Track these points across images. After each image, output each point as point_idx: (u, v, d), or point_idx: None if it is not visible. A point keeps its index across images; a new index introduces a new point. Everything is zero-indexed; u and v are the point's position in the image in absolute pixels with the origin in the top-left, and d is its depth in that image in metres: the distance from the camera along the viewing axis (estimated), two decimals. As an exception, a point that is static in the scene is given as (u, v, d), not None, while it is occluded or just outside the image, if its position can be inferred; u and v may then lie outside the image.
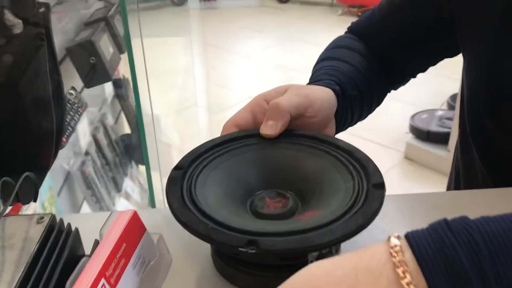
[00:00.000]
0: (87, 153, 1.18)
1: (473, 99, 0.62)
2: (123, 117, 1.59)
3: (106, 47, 1.13)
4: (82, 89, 1.17)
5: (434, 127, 2.67)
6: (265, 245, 0.38)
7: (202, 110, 3.17)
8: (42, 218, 0.46)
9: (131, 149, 1.45)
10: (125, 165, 1.39)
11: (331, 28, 4.88)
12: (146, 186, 1.51)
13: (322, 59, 0.68)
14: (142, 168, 1.54)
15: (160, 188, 1.40)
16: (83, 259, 0.42)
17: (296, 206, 0.48)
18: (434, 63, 0.69)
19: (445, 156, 2.56)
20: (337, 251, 0.46)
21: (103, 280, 0.40)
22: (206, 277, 0.49)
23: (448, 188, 0.82)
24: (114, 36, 1.21)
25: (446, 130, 2.61)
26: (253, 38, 4.69)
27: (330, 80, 0.59)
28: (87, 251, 0.50)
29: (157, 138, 1.43)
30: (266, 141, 0.53)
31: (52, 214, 0.47)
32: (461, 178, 0.74)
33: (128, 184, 1.36)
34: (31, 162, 0.60)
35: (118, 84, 1.41)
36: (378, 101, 0.69)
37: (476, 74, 0.60)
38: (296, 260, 0.42)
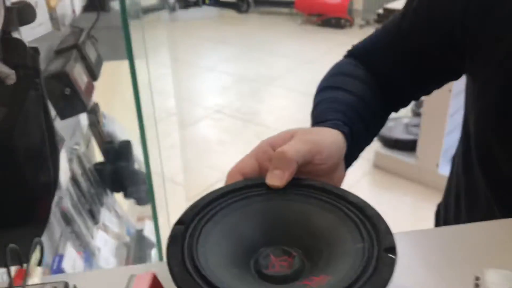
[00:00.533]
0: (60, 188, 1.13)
1: (482, 124, 0.61)
2: (92, 143, 1.53)
3: (80, 76, 1.08)
4: (54, 118, 1.11)
5: (401, 135, 2.72)
6: None
7: (174, 126, 3.13)
8: (55, 287, 0.43)
9: (106, 177, 1.40)
10: (100, 195, 1.34)
11: (293, 37, 4.92)
12: (122, 214, 1.46)
13: (322, 88, 0.67)
14: (117, 196, 1.49)
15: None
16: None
17: (303, 266, 0.46)
18: (439, 87, 0.69)
19: (414, 163, 2.61)
20: None
21: None
22: None
23: (446, 204, 0.82)
24: (87, 64, 1.16)
25: (413, 137, 2.67)
26: (215, 50, 4.67)
27: (336, 120, 0.57)
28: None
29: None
30: (272, 192, 0.50)
31: (64, 282, 0.44)
32: (463, 196, 0.74)
33: (105, 215, 1.31)
34: (29, 216, 0.56)
35: (89, 110, 1.36)
36: (381, 126, 0.68)
37: (488, 100, 0.59)
38: None
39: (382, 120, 0.68)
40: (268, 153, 0.52)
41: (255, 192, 0.50)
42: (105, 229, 1.28)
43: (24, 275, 0.47)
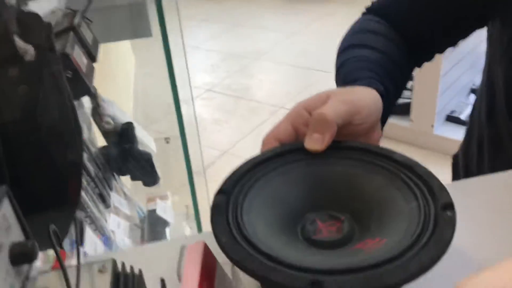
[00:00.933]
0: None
1: None
2: (94, 128, 1.51)
3: (80, 58, 1.06)
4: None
5: (395, 99, 2.72)
6: (330, 285, 0.35)
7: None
8: (103, 265, 0.42)
9: (111, 161, 1.38)
10: (108, 179, 1.33)
11: (277, 10, 4.86)
12: (131, 196, 1.45)
13: (346, 47, 0.65)
14: (124, 179, 1.48)
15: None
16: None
17: (353, 231, 0.44)
18: (465, 36, 0.68)
19: (408, 126, 2.62)
20: None
21: (200, 326, 0.36)
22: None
23: (465, 154, 0.82)
24: (84, 46, 1.13)
25: (406, 101, 2.67)
26: (199, 28, 4.60)
27: (370, 78, 0.56)
28: (150, 291, 0.46)
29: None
30: (312, 157, 0.49)
31: (112, 259, 0.43)
32: (486, 144, 0.74)
33: (115, 198, 1.29)
34: (59, 197, 0.55)
35: (92, 95, 1.33)
36: (407, 82, 0.67)
37: None
38: None
39: (408, 76, 0.67)
40: (304, 116, 0.51)
41: (294, 158, 0.49)
42: (117, 212, 1.27)
43: (64, 256, 0.46)
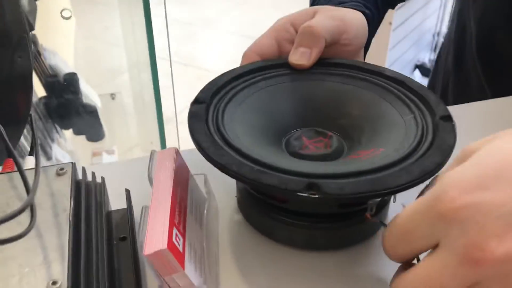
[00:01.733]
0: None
1: (488, 12, 0.60)
2: (35, 77, 1.40)
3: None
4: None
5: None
6: (329, 188, 0.31)
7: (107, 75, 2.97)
8: (62, 169, 0.37)
9: (52, 113, 1.29)
10: (50, 131, 1.24)
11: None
12: (74, 150, 1.37)
13: None
14: (67, 132, 1.39)
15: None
16: (143, 208, 0.34)
17: (342, 146, 0.41)
18: None
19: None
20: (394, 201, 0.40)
21: (175, 230, 0.33)
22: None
23: None
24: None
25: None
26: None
27: (356, 2, 0.53)
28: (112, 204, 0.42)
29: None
30: (296, 72, 0.45)
31: (72, 163, 0.38)
32: (451, 87, 0.74)
33: (57, 151, 1.21)
34: (5, 110, 0.49)
35: (34, 41, 1.23)
36: (387, 8, 0.65)
37: None
38: (353, 207, 0.37)
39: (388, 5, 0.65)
40: (290, 31, 0.47)
41: (277, 73, 0.45)
42: (59, 165, 1.19)
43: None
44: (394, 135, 0.38)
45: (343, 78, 0.45)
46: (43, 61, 1.36)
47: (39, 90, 1.34)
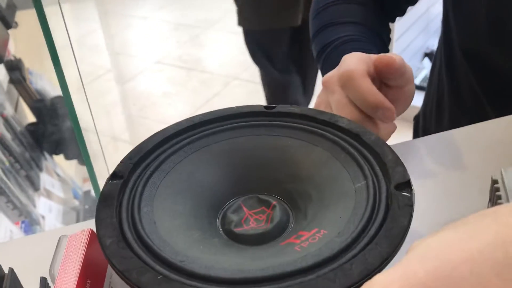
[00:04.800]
0: (-11, 154, 0.99)
1: (471, 27, 0.57)
2: (22, 104, 1.37)
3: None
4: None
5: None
6: None
7: (111, 82, 2.95)
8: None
9: (41, 139, 1.26)
10: (37, 159, 1.21)
11: (226, -22, 4.69)
12: (65, 177, 1.34)
13: (324, 25, 0.58)
14: (57, 158, 1.36)
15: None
16: None
17: (287, 219, 0.35)
18: None
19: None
20: None
21: None
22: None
23: (425, 113, 0.77)
24: (-5, 9, 1.00)
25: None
26: (146, -1, 4.40)
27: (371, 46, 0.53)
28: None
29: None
30: (235, 127, 0.39)
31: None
32: (446, 99, 0.70)
33: (46, 180, 1.18)
34: None
35: (11, 66, 1.20)
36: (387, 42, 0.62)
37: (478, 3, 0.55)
38: None
39: (386, 38, 0.62)
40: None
41: (215, 129, 0.39)
42: (48, 195, 1.16)
43: None
44: (341, 211, 0.32)
45: (292, 131, 0.39)
46: (29, 86, 1.33)
47: (23, 117, 1.31)
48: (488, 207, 0.39)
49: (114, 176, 0.34)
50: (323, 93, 0.45)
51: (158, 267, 0.28)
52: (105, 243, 0.29)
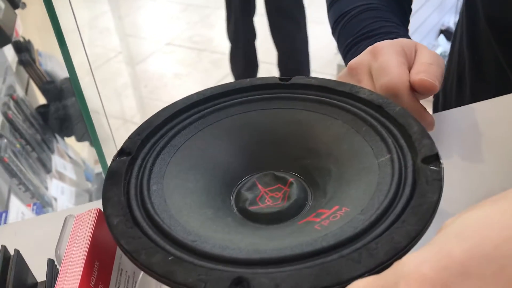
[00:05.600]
0: (0, 136, 0.98)
1: None
2: (32, 86, 1.36)
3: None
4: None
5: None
6: (261, 285, 0.24)
7: (122, 64, 2.93)
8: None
9: (52, 121, 1.25)
10: (49, 141, 1.20)
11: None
12: (77, 159, 1.33)
13: (347, 11, 0.56)
14: (69, 140, 1.35)
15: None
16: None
17: (305, 196, 0.33)
18: None
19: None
20: None
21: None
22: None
23: (445, 89, 0.75)
24: (2, -11, 0.98)
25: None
26: (156, -21, 4.35)
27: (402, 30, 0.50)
28: (39, 275, 0.35)
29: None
30: (252, 100, 0.37)
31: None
32: (467, 73, 0.67)
33: (57, 162, 1.17)
34: None
35: (20, 48, 1.18)
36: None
37: None
38: None
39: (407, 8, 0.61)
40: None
41: (227, 103, 0.37)
42: (60, 177, 1.15)
43: None
44: (363, 187, 0.30)
45: (309, 104, 0.36)
46: (38, 68, 1.31)
47: (33, 99, 1.30)
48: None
49: (121, 152, 0.33)
50: (347, 77, 0.43)
51: (168, 247, 0.26)
52: (113, 223, 0.27)
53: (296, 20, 1.97)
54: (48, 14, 0.80)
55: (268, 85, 0.38)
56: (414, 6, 2.14)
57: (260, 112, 0.37)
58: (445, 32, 2.68)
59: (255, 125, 0.36)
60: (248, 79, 0.38)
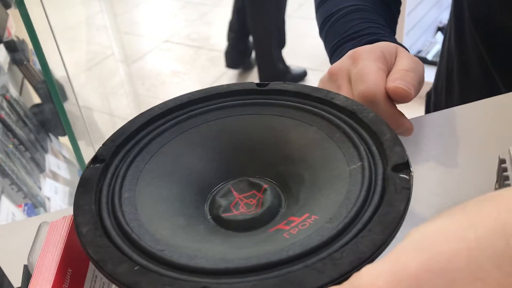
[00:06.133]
0: (-8, 136, 0.98)
1: None
2: (27, 85, 1.36)
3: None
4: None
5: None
6: None
7: (118, 63, 2.93)
8: None
9: (46, 120, 1.25)
10: (43, 140, 1.20)
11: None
12: (72, 159, 1.33)
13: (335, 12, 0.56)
14: (63, 139, 1.35)
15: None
16: None
17: (279, 203, 0.33)
18: None
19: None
20: None
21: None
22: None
23: (436, 88, 0.75)
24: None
25: (372, 42, 2.57)
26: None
27: (387, 33, 0.50)
28: (15, 281, 0.35)
29: (74, 103, 1.24)
30: (227, 106, 0.37)
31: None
32: (455, 72, 0.67)
33: (51, 161, 1.17)
34: None
35: (13, 47, 1.18)
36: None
37: None
38: None
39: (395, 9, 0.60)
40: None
41: (202, 109, 0.37)
42: (54, 176, 1.15)
43: None
44: (334, 195, 0.30)
45: (285, 109, 0.36)
46: (32, 67, 1.31)
47: (28, 98, 1.30)
48: (495, 188, 0.37)
49: (95, 159, 0.33)
50: (327, 82, 0.44)
51: (136, 257, 0.26)
52: (82, 231, 0.28)
53: None
54: (22, 18, 0.80)
55: (245, 90, 0.38)
56: (411, 3, 2.14)
57: (236, 118, 0.37)
58: (443, 29, 2.68)
59: (231, 131, 0.36)
60: (225, 85, 0.38)
